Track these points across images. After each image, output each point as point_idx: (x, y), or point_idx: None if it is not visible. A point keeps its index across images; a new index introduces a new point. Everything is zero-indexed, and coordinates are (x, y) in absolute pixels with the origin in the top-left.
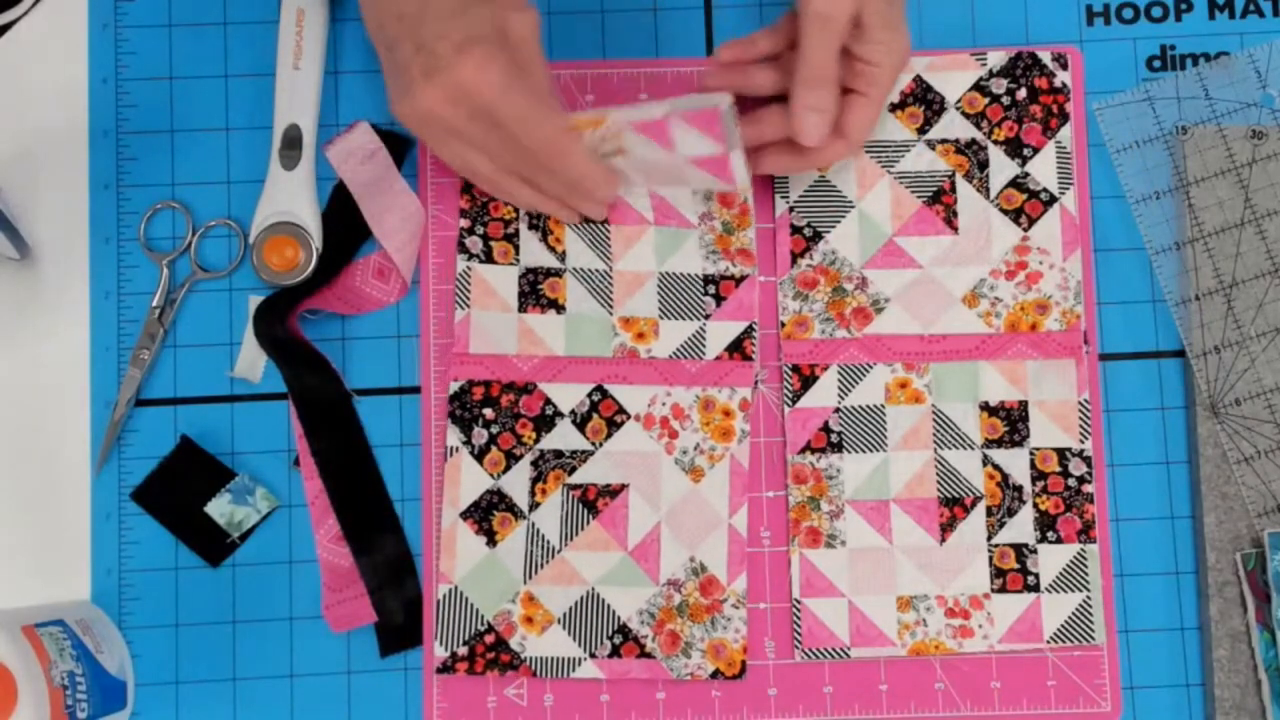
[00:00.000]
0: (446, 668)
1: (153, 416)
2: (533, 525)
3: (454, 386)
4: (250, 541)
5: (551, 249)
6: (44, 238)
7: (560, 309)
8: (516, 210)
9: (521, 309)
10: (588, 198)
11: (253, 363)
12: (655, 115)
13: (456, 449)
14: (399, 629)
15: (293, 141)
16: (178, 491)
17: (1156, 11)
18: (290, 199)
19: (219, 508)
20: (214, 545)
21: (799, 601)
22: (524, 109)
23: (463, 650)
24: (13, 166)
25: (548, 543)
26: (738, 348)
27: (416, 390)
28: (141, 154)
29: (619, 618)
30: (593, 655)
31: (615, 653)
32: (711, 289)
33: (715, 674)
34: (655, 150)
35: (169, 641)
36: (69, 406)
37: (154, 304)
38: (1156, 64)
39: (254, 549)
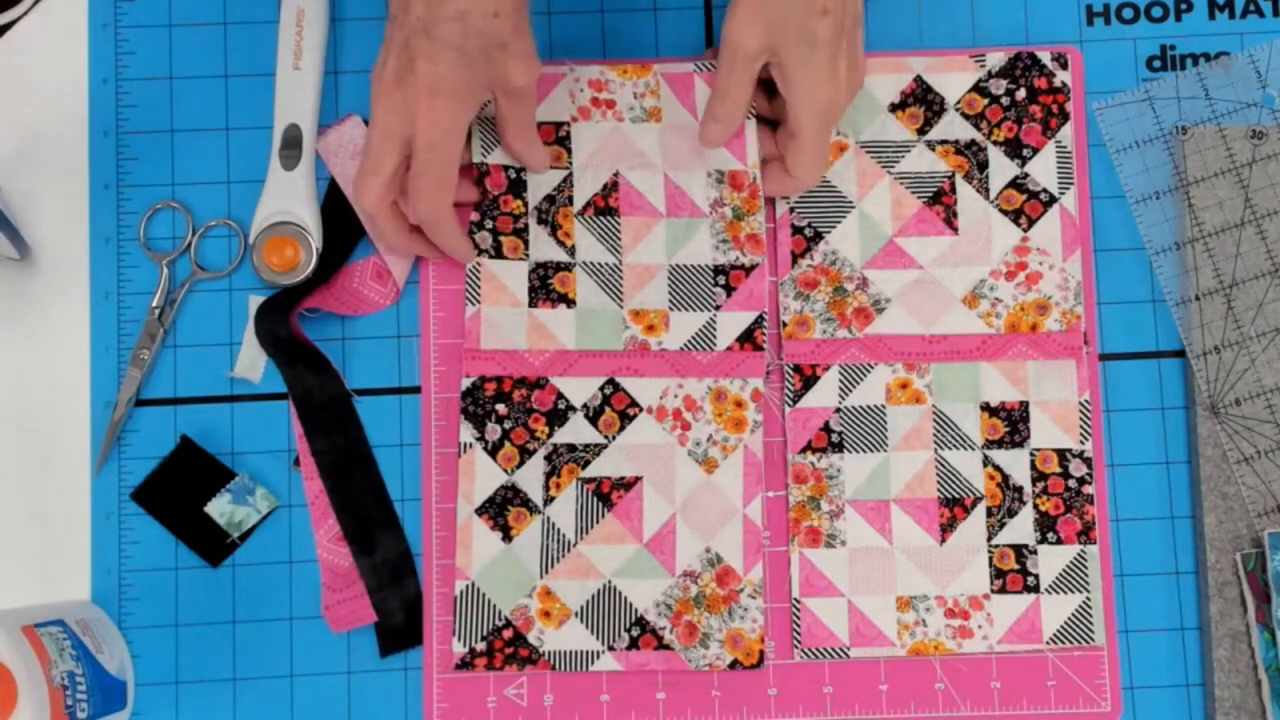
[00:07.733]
0: (466, 664)
1: (153, 416)
2: (548, 519)
3: (466, 383)
4: (250, 541)
5: (561, 243)
6: (44, 238)
7: (570, 303)
8: (525, 205)
9: (532, 304)
10: (446, 252)
11: (253, 363)
12: (686, 69)
13: (470, 445)
14: (399, 629)
15: (292, 141)
16: (178, 491)
17: (1156, 11)
18: (290, 199)
19: (219, 508)
20: (214, 545)
21: (798, 601)
22: (437, 175)
23: (481, 646)
24: (13, 166)
25: (563, 536)
26: (749, 338)
27: (416, 390)
28: (141, 154)
29: (636, 610)
30: (611, 648)
31: (633, 645)
32: (721, 279)
33: (734, 664)
34: (680, 112)
35: (169, 641)
36: (69, 406)
37: (154, 304)
38: (1156, 64)
39: (254, 549)
